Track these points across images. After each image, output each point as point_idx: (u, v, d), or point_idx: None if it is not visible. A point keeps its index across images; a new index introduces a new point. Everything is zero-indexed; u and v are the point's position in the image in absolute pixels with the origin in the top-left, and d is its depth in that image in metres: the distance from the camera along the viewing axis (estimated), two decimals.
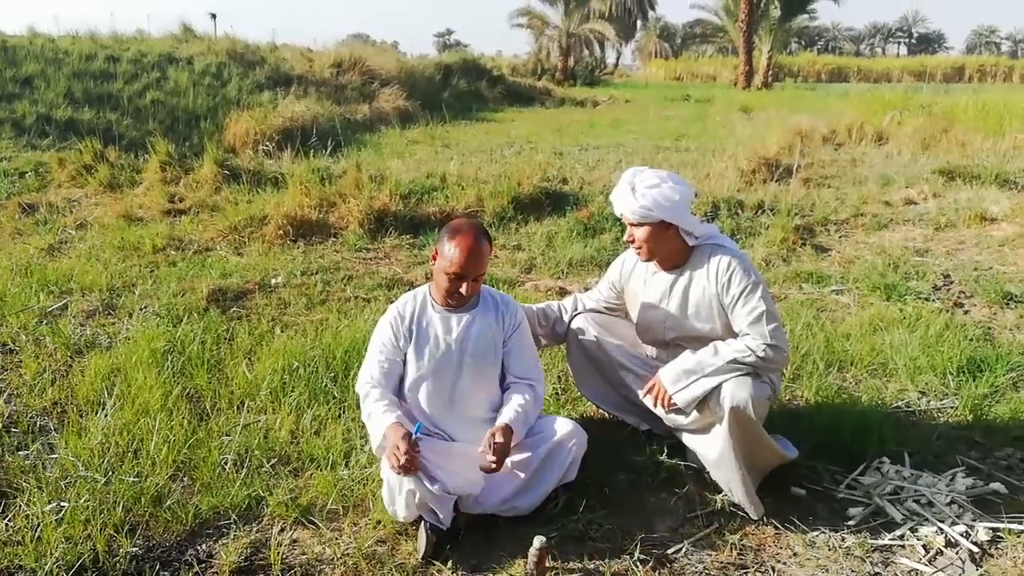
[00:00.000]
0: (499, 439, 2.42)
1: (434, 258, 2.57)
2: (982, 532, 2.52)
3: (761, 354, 2.50)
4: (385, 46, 31.71)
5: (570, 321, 3.08)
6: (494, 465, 2.38)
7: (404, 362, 2.64)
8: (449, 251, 2.48)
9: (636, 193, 2.63)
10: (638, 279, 2.90)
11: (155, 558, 2.40)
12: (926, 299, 4.79)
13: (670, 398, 2.65)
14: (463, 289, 2.52)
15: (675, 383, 2.63)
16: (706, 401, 2.59)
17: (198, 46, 16.09)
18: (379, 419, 2.47)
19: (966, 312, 4.62)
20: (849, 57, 69.59)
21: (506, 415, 2.55)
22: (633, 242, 2.72)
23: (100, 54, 13.83)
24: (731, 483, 2.63)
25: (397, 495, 2.41)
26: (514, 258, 5.76)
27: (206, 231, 6.28)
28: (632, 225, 2.70)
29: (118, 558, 2.36)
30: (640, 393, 2.81)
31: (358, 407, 3.21)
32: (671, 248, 2.71)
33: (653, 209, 2.59)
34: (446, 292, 2.56)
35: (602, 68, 42.74)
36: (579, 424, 2.67)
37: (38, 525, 2.44)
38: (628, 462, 2.90)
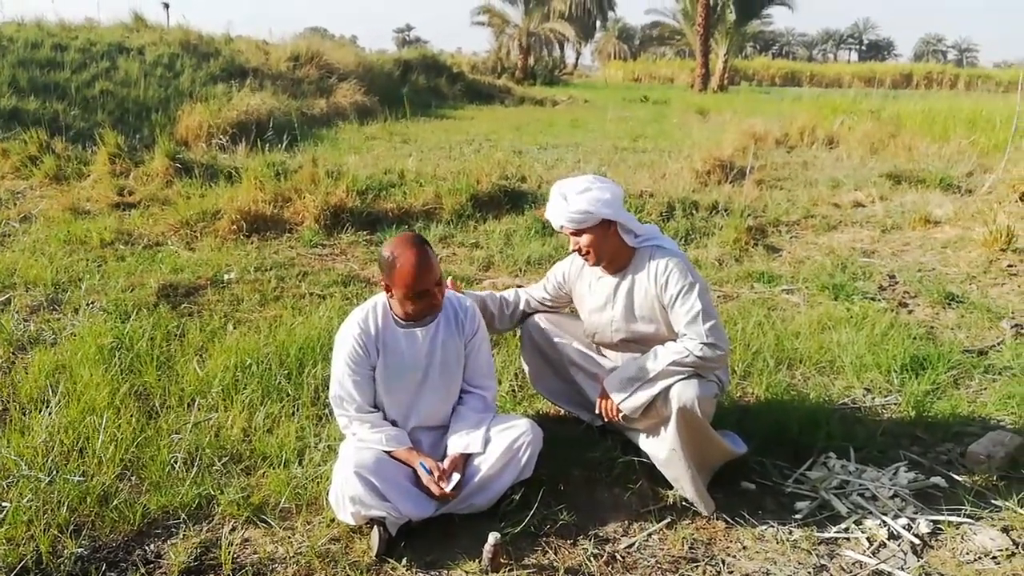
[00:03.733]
0: (455, 473, 2.51)
1: (387, 290, 2.52)
2: (923, 525, 2.60)
3: (699, 353, 2.53)
4: (344, 41, 31.40)
5: (522, 319, 3.10)
6: (449, 494, 2.47)
7: (372, 376, 2.61)
8: (400, 277, 2.43)
9: (569, 201, 2.64)
10: (584, 283, 2.92)
11: (101, 559, 2.35)
12: (872, 299, 4.92)
13: (617, 408, 2.68)
14: (435, 301, 2.52)
15: (620, 392, 2.66)
16: (654, 402, 2.62)
17: (150, 36, 15.70)
18: (394, 443, 2.55)
19: (910, 312, 4.76)
20: (802, 62, 71.04)
21: (459, 442, 2.60)
22: (580, 250, 2.74)
23: (47, 42, 13.40)
24: (681, 481, 2.67)
25: (342, 506, 2.43)
26: (472, 256, 5.75)
27: (156, 225, 6.14)
28: (573, 234, 2.71)
29: (62, 559, 2.31)
30: (596, 404, 2.83)
31: (311, 404, 3.21)
32: (614, 249, 2.73)
33: (591, 210, 2.61)
34: (419, 311, 2.55)
35: (562, 68, 42.90)
36: (535, 421, 2.69)
37: None
38: (583, 458, 2.93)
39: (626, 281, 2.77)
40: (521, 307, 3.11)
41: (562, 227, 2.71)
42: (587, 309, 2.92)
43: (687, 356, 2.54)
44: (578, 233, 2.69)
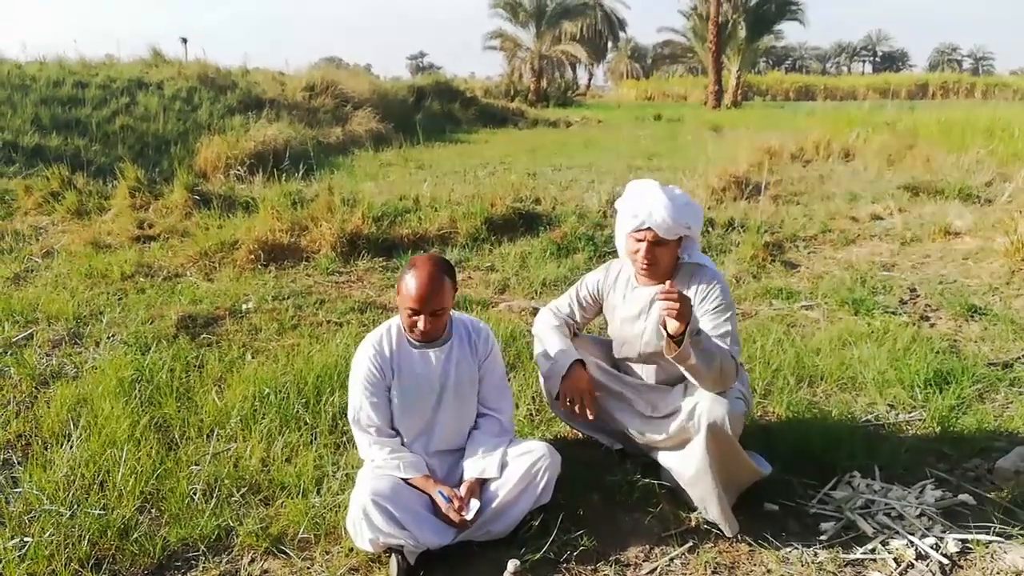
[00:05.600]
0: (473, 499, 2.49)
1: (398, 291, 2.55)
2: (951, 544, 2.55)
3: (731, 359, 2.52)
4: (358, 69, 31.78)
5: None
6: (468, 521, 2.46)
7: (389, 397, 2.62)
8: (405, 287, 2.46)
9: (679, 210, 2.59)
10: (618, 294, 2.91)
11: None
12: (893, 313, 4.86)
13: (681, 300, 2.32)
14: (420, 324, 2.49)
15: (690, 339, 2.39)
16: (682, 418, 2.60)
17: (168, 70, 16.02)
18: (412, 470, 2.55)
19: (932, 325, 4.69)
20: (816, 75, 71.00)
21: (475, 467, 2.60)
22: (647, 256, 2.68)
23: (68, 80, 13.71)
24: (706, 500, 2.63)
25: (359, 533, 2.42)
26: (488, 279, 5.76)
27: (176, 257, 6.22)
28: (654, 242, 2.65)
29: None
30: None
31: (329, 433, 3.21)
32: (671, 262, 2.74)
33: (691, 224, 2.62)
34: (407, 327, 2.56)
35: (574, 89, 43.18)
36: (552, 445, 2.67)
37: (0, 562, 2.38)
38: (602, 482, 2.90)
39: None
40: (568, 328, 3.04)
41: (647, 228, 2.63)
42: (619, 318, 2.90)
43: (725, 351, 2.51)
44: (662, 241, 2.65)
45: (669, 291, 2.31)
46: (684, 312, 2.33)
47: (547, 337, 2.94)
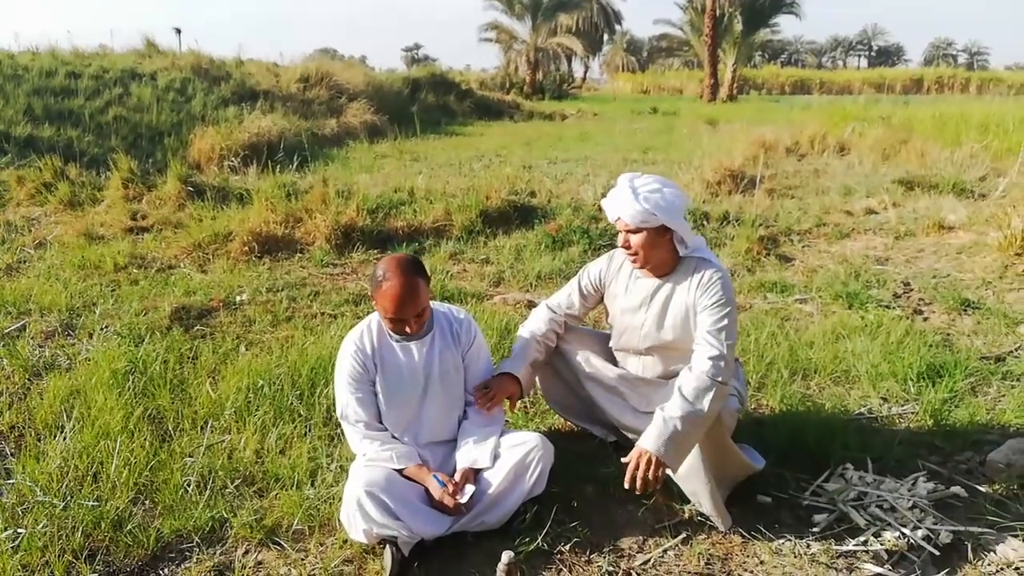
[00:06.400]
0: (468, 484, 2.51)
1: (374, 300, 2.54)
2: (944, 535, 2.56)
3: (712, 372, 2.49)
4: (353, 61, 31.69)
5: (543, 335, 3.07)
6: (461, 505, 2.48)
7: (374, 391, 2.62)
8: (383, 299, 2.44)
9: (638, 197, 2.60)
10: (620, 284, 2.90)
11: None
12: (887, 307, 4.88)
13: (662, 467, 2.42)
14: (409, 328, 2.51)
15: (665, 454, 2.42)
16: None
17: (162, 61, 15.91)
18: (405, 460, 2.57)
19: (925, 319, 4.71)
20: (811, 70, 70.94)
21: (467, 457, 2.60)
22: (628, 247, 2.70)
23: (61, 70, 13.61)
24: (699, 495, 2.64)
25: (353, 525, 2.42)
26: (483, 271, 5.76)
27: (169, 248, 6.20)
28: (628, 231, 2.67)
29: None
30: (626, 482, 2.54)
31: (323, 424, 3.21)
32: (663, 256, 2.72)
33: (655, 213, 2.58)
34: (394, 332, 2.57)
35: (570, 82, 43.01)
36: (546, 437, 2.68)
37: None
38: (596, 474, 2.91)
39: (666, 288, 2.76)
40: (556, 331, 3.03)
41: (618, 219, 2.68)
42: (619, 308, 2.89)
43: (709, 373, 2.48)
44: (633, 231, 2.66)
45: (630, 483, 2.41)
46: (656, 476, 2.38)
47: (518, 338, 2.99)
